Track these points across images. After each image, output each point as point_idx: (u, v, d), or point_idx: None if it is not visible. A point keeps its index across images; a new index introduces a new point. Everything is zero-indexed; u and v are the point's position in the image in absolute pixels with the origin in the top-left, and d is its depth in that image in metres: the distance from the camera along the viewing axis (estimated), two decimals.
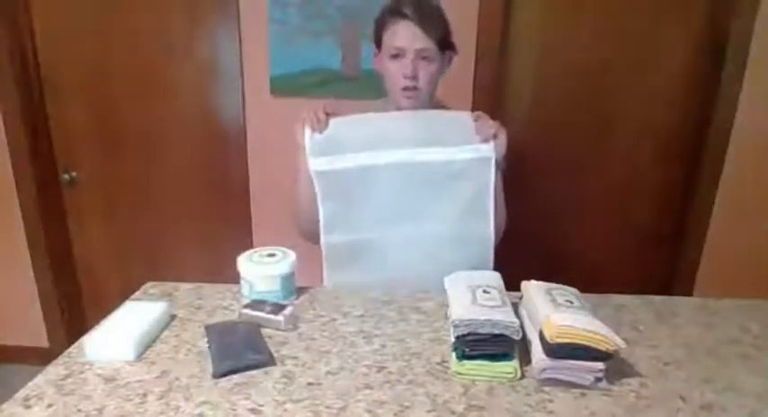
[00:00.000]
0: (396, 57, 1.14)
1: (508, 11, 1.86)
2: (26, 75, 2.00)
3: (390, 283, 1.12)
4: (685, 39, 1.88)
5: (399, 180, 1.13)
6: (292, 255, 1.06)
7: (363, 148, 1.12)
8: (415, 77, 1.13)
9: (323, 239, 1.16)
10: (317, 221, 1.15)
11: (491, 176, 1.13)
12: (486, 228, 1.15)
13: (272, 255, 1.05)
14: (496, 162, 1.13)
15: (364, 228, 1.15)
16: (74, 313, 2.31)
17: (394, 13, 1.13)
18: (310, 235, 1.19)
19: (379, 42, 1.19)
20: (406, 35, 1.11)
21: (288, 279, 1.04)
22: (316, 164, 1.13)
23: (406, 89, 1.15)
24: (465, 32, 1.82)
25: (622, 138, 1.99)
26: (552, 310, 0.82)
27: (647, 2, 1.85)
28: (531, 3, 1.88)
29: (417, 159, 1.12)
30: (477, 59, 1.87)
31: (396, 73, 1.15)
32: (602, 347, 0.76)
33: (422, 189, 1.13)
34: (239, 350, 0.84)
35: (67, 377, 0.80)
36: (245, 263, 1.03)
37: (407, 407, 0.74)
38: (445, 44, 1.16)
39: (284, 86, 1.93)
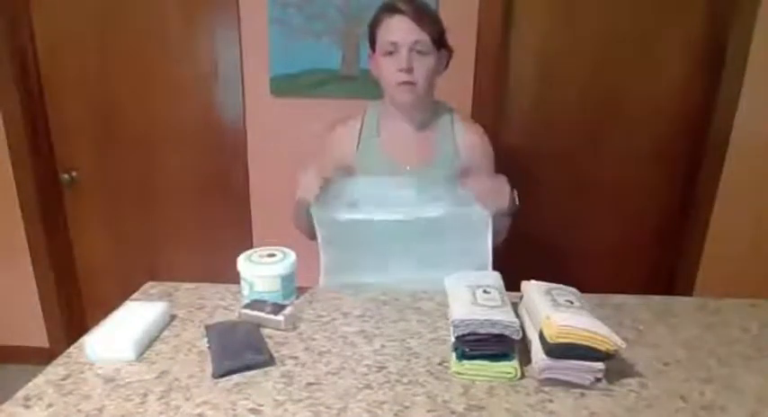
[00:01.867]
0: (390, 53, 1.14)
1: (508, 11, 1.86)
2: (26, 75, 2.00)
3: None
4: (685, 40, 1.88)
5: (399, 231, 1.13)
6: (292, 255, 1.06)
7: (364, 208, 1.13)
8: (410, 70, 1.13)
9: (322, 280, 1.19)
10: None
11: (488, 233, 1.12)
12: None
13: (272, 255, 1.05)
14: (503, 212, 1.13)
15: (364, 274, 1.16)
16: (74, 313, 2.31)
17: (388, 8, 1.15)
18: (310, 237, 1.20)
19: (373, 43, 1.20)
20: (400, 29, 1.12)
21: (288, 279, 1.04)
22: (318, 211, 1.13)
23: (402, 83, 1.15)
24: (465, 32, 1.83)
25: (622, 138, 1.99)
26: (552, 310, 0.82)
27: (647, 2, 1.85)
28: (531, 3, 1.88)
29: (416, 215, 1.11)
30: (477, 59, 1.87)
31: (391, 69, 1.15)
32: (602, 347, 0.76)
33: (422, 239, 1.13)
34: (239, 350, 0.84)
35: (67, 377, 0.80)
36: (245, 263, 1.03)
37: (407, 407, 0.74)
38: (440, 40, 1.16)
39: (284, 86, 1.94)
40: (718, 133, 1.91)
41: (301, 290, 1.10)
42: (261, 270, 1.01)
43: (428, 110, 1.26)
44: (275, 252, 1.06)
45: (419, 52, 1.13)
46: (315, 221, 1.14)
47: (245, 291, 1.03)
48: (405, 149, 1.25)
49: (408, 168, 1.23)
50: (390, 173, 1.23)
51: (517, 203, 1.14)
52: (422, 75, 1.15)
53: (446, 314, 0.97)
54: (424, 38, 1.12)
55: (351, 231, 1.14)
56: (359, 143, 1.27)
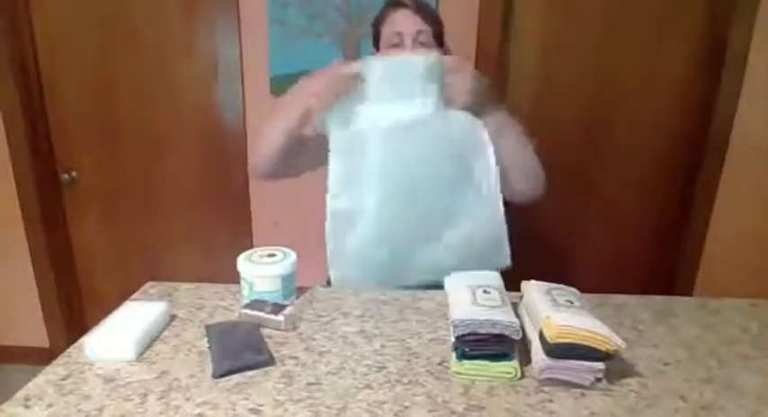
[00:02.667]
0: (395, 45, 1.19)
1: (508, 12, 1.86)
2: (26, 75, 2.00)
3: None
4: (685, 42, 1.88)
5: (413, 145, 1.11)
6: (292, 255, 1.06)
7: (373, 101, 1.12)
8: None
9: (329, 205, 1.13)
10: (287, 165, 1.19)
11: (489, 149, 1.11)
12: (495, 214, 1.14)
13: (272, 255, 1.05)
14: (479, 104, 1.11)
15: (368, 200, 1.13)
16: (74, 313, 2.31)
17: (392, 4, 1.21)
18: (269, 174, 1.22)
19: (377, 41, 1.25)
20: (404, 21, 1.19)
21: (288, 279, 1.04)
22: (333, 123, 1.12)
23: None
24: (465, 34, 1.83)
25: (623, 139, 1.99)
26: (552, 310, 0.82)
27: (647, 5, 1.85)
28: (531, 3, 1.88)
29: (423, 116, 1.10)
30: (477, 59, 1.87)
31: None
32: (602, 347, 0.76)
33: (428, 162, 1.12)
34: (239, 350, 0.84)
35: (67, 376, 0.80)
36: (245, 263, 1.03)
37: (407, 407, 0.74)
38: (439, 35, 1.21)
39: (284, 86, 1.92)
40: (718, 133, 1.91)
41: (301, 290, 1.10)
42: (261, 270, 1.01)
43: None
44: (275, 252, 1.06)
45: (422, 43, 1.18)
46: (330, 133, 1.11)
47: (245, 291, 1.03)
48: None
49: None
50: None
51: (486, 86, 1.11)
52: None
53: (446, 314, 0.97)
54: (426, 28, 1.18)
55: (361, 142, 1.12)
56: None
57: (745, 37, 1.81)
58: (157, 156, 2.10)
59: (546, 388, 0.79)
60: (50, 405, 0.73)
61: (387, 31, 1.21)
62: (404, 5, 1.20)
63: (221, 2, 1.89)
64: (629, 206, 2.07)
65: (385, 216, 1.13)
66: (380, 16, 1.24)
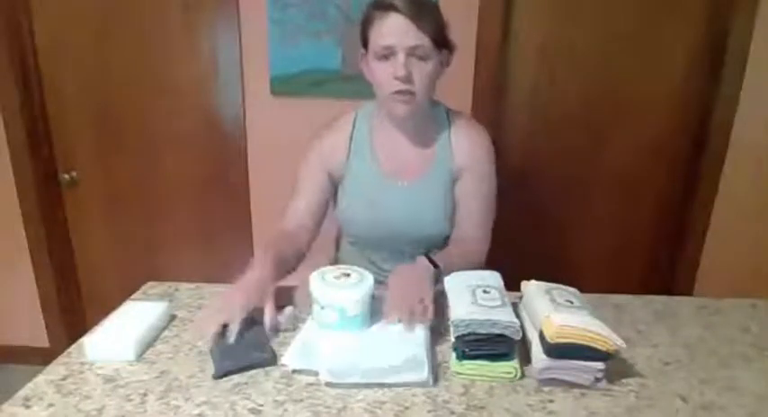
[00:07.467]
0: (385, 57, 1.01)
1: (508, 11, 1.86)
2: (26, 75, 2.00)
3: None
4: (686, 38, 1.88)
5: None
6: (370, 277, 0.94)
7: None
8: (409, 79, 1.01)
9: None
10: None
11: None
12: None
13: (346, 275, 0.93)
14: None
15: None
16: (74, 313, 2.31)
17: (381, 5, 1.00)
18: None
19: (365, 42, 1.06)
20: (395, 30, 0.98)
21: (366, 303, 0.91)
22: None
23: (399, 92, 1.02)
24: (465, 32, 1.82)
25: (623, 138, 1.99)
26: (552, 310, 0.82)
27: (646, 4, 1.85)
28: (531, 3, 1.88)
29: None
30: (477, 59, 1.87)
31: (386, 75, 1.02)
32: (602, 347, 0.76)
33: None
34: (240, 350, 0.84)
35: (67, 376, 0.80)
36: (318, 284, 0.90)
37: (407, 407, 0.74)
38: (441, 40, 1.03)
39: (284, 86, 1.93)
40: (718, 132, 1.90)
41: None
42: (342, 293, 0.89)
43: (425, 117, 1.16)
44: (349, 272, 0.94)
45: (419, 57, 1.00)
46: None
47: (329, 318, 0.89)
48: (399, 162, 1.17)
49: (400, 184, 1.16)
50: (382, 188, 1.16)
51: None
52: (422, 83, 1.02)
53: (446, 314, 0.97)
54: (423, 41, 0.99)
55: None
56: (349, 154, 1.18)
57: (746, 37, 1.81)
58: (157, 156, 2.09)
59: (546, 388, 0.79)
60: (50, 405, 0.73)
61: (375, 40, 1.01)
62: (395, 9, 0.97)
63: (221, 2, 1.89)
64: (629, 205, 2.07)
65: None
66: (367, 17, 1.03)
